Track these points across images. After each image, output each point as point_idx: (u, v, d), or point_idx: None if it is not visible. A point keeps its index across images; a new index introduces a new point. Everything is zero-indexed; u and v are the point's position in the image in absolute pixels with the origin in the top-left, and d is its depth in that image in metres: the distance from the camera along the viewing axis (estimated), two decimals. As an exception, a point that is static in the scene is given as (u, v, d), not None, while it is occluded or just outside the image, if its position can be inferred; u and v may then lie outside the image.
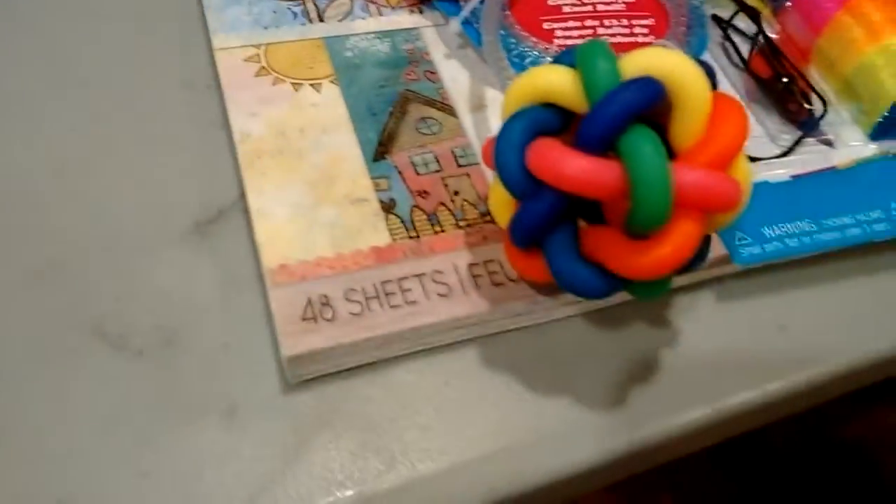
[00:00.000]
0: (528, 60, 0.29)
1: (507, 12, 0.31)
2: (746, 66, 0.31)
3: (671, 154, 0.20)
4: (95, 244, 0.26)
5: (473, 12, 0.30)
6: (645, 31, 0.31)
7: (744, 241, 0.26)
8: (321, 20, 0.32)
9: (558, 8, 0.31)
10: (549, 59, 0.29)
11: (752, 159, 0.28)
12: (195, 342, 0.24)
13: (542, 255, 0.22)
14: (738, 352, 0.26)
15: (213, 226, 0.27)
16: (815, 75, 0.32)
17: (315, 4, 0.32)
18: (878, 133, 0.30)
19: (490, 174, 0.27)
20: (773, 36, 0.33)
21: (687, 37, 0.30)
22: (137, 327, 0.24)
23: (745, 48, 0.32)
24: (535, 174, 0.20)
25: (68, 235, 0.26)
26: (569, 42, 0.30)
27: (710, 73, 0.22)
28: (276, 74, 0.29)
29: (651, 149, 0.19)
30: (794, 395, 0.25)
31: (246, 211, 0.27)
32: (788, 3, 0.33)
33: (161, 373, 0.23)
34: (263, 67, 0.30)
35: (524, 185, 0.21)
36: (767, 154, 0.29)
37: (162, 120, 0.29)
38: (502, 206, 0.23)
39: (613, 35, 0.30)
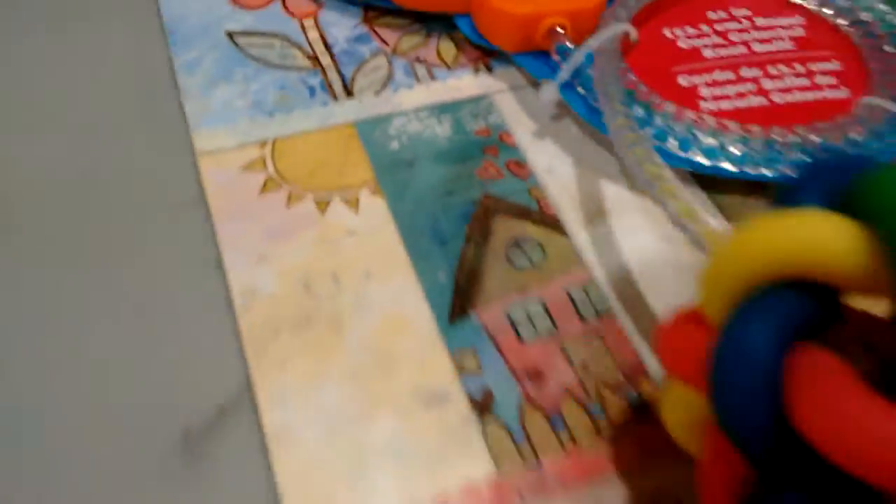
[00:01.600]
0: (671, 142, 0.19)
1: (623, 65, 0.21)
2: None
3: None
4: (34, 481, 0.16)
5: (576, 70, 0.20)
6: (832, 80, 0.20)
7: None
8: (349, 94, 0.22)
9: (695, 52, 0.21)
10: (707, 136, 0.19)
11: None
12: None
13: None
14: None
15: (209, 439, 0.17)
16: None
17: (339, 72, 0.23)
18: None
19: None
20: None
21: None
22: None
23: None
24: (813, 442, 0.10)
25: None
26: (723, 107, 0.20)
27: None
28: (290, 188, 0.20)
29: None
30: None
31: (256, 409, 0.17)
32: None
33: None
34: (271, 178, 0.20)
35: (779, 451, 0.11)
36: None
37: (129, 263, 0.20)
38: (692, 429, 0.13)
39: (789, 90, 0.20)
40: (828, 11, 0.22)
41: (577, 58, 0.20)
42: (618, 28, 0.20)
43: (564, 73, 0.20)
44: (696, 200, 0.19)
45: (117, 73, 0.23)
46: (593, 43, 0.20)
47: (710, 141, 0.19)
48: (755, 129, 0.19)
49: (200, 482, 0.16)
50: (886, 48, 0.20)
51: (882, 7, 0.21)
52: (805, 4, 0.22)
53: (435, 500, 0.15)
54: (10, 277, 0.19)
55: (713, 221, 0.15)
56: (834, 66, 0.21)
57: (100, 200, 0.21)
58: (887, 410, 0.10)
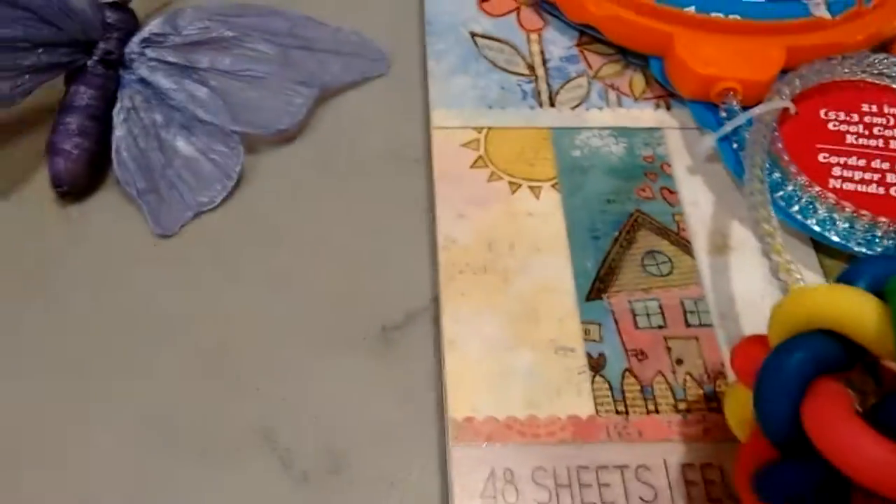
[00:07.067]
0: (795, 207, 0.24)
1: (776, 133, 0.25)
2: None
3: None
4: (270, 337, 0.24)
5: (735, 129, 0.25)
6: (952, 187, 0.24)
7: None
8: (552, 104, 0.28)
9: (841, 136, 0.26)
10: (823, 210, 0.23)
11: None
12: (361, 474, 0.22)
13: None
14: None
15: (399, 332, 0.24)
16: None
17: (548, 84, 0.29)
18: None
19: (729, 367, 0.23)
20: None
21: None
22: (306, 446, 0.22)
23: None
24: (812, 440, 0.16)
25: (238, 323, 0.24)
26: (846, 188, 0.24)
27: None
28: (492, 168, 0.26)
29: None
30: None
31: (436, 319, 0.24)
32: None
33: (321, 510, 0.22)
34: (481, 157, 0.27)
35: (792, 441, 0.16)
36: None
37: (361, 195, 0.27)
38: (744, 421, 0.19)
39: (908, 188, 0.24)
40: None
41: (739, 121, 0.25)
42: (780, 104, 0.25)
43: (725, 129, 0.25)
44: (802, 258, 0.24)
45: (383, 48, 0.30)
46: (756, 111, 0.25)
47: (825, 213, 0.23)
48: (866, 213, 0.23)
49: (393, 355, 0.24)
50: None
51: None
52: (953, 116, 0.26)
53: (549, 419, 0.22)
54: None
55: (804, 278, 0.20)
56: (958, 176, 0.25)
57: (348, 147, 0.28)
58: (866, 439, 0.15)
